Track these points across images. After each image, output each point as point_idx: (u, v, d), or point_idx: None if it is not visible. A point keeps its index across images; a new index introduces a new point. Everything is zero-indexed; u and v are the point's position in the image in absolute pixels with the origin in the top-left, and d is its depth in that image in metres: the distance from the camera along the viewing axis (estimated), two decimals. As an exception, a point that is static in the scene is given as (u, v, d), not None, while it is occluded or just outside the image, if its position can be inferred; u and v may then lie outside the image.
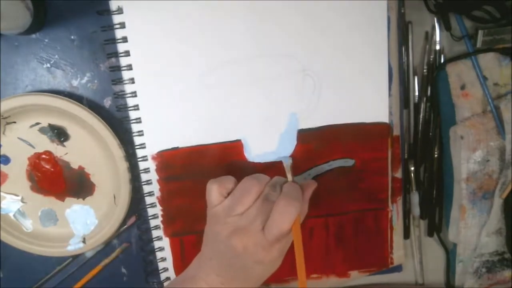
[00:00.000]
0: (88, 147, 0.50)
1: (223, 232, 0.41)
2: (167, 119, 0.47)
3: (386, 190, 0.51)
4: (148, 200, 0.50)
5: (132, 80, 0.46)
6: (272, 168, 0.49)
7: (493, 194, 0.50)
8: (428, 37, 0.50)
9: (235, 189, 0.43)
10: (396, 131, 0.50)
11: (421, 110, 0.52)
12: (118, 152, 0.48)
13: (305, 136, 0.49)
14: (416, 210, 0.54)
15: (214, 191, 0.43)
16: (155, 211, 0.50)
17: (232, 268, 0.42)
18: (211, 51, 0.46)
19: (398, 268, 0.56)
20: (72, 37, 0.48)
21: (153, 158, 0.48)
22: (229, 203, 0.42)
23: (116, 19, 0.45)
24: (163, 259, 0.52)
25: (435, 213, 0.55)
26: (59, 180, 0.51)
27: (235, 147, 0.48)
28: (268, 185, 0.43)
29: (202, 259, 0.44)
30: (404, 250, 0.55)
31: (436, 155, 0.53)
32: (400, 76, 0.49)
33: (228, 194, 0.43)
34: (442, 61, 0.50)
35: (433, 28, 0.50)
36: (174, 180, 0.49)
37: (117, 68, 0.46)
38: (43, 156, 0.50)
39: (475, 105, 0.49)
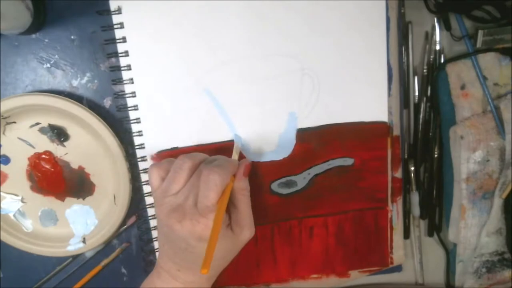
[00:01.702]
0: (88, 147, 0.50)
1: (162, 214, 0.42)
2: (166, 119, 0.47)
3: (385, 189, 0.51)
4: (148, 200, 0.50)
5: (131, 80, 0.46)
6: (273, 168, 0.49)
7: (493, 194, 0.50)
8: (428, 37, 0.50)
9: (170, 170, 0.42)
10: (396, 131, 0.50)
11: (421, 110, 0.52)
12: (118, 152, 0.48)
13: (304, 136, 0.49)
14: (416, 210, 0.54)
15: (154, 174, 0.43)
16: (155, 211, 0.50)
17: (181, 251, 0.42)
18: (210, 51, 0.46)
19: (398, 268, 0.56)
20: (72, 37, 0.48)
21: (153, 158, 0.48)
22: (165, 184, 0.42)
23: (116, 19, 0.45)
24: (163, 259, 0.52)
25: (435, 213, 0.55)
26: (59, 180, 0.51)
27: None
28: (204, 162, 0.43)
29: (160, 247, 0.45)
30: (404, 250, 0.55)
31: (436, 155, 0.53)
32: (400, 76, 0.49)
33: None
34: (442, 61, 0.50)
35: (433, 28, 0.49)
36: (173, 180, 0.49)
37: (117, 68, 0.46)
38: (43, 156, 0.50)
39: (475, 105, 0.49)
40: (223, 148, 0.48)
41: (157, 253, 0.52)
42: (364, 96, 0.48)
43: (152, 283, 0.46)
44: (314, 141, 0.49)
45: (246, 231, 0.44)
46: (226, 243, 0.44)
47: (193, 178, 0.41)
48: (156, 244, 0.51)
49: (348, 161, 0.50)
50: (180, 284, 0.44)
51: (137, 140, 0.48)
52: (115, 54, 0.46)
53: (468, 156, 0.49)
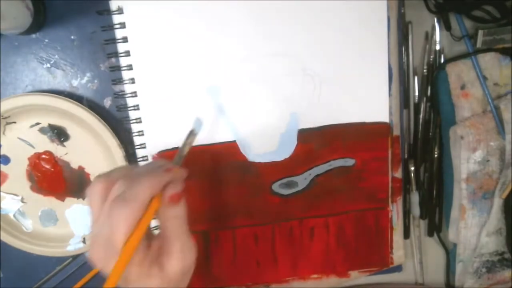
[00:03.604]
0: (88, 147, 0.50)
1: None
2: (168, 119, 0.47)
3: (386, 190, 0.51)
4: (148, 200, 0.50)
5: (132, 80, 0.46)
6: (274, 168, 0.49)
7: (493, 194, 0.50)
8: (428, 37, 0.50)
9: None
10: (396, 131, 0.50)
11: (421, 110, 0.52)
12: (118, 152, 0.48)
13: (306, 136, 0.49)
14: (416, 210, 0.54)
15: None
16: None
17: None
18: (211, 51, 0.46)
19: (398, 268, 0.56)
20: (72, 37, 0.48)
21: (154, 158, 0.48)
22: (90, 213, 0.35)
23: (116, 19, 0.45)
24: (163, 259, 0.52)
25: (435, 213, 0.55)
26: (59, 180, 0.51)
27: (235, 147, 0.48)
28: (119, 182, 0.34)
29: None
30: (404, 250, 0.55)
31: (436, 155, 0.53)
32: (400, 76, 0.49)
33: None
34: (442, 61, 0.50)
35: (433, 28, 0.50)
36: (174, 180, 0.49)
37: (117, 68, 0.46)
38: (43, 156, 0.50)
39: (475, 105, 0.49)
40: (224, 149, 0.48)
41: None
42: (365, 97, 0.48)
43: None
44: (315, 142, 0.49)
45: (174, 260, 0.35)
46: (152, 284, 0.34)
47: (105, 209, 0.34)
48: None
49: (349, 162, 0.50)
50: None
51: (137, 140, 0.48)
52: (115, 54, 0.46)
53: (468, 156, 0.49)
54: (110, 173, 0.36)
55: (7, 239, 0.52)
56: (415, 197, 0.54)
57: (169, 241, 0.35)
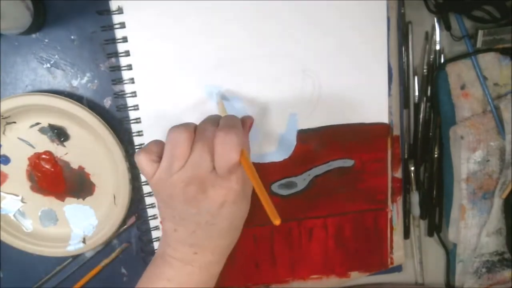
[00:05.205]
0: (88, 147, 0.50)
1: (175, 191, 0.39)
2: (167, 119, 0.47)
3: (385, 191, 0.51)
4: (148, 200, 0.50)
5: (132, 80, 0.46)
6: (273, 169, 0.49)
7: (493, 194, 0.50)
8: (428, 37, 0.50)
9: (165, 147, 0.40)
10: (396, 131, 0.50)
11: (421, 110, 0.52)
12: (118, 152, 0.48)
13: (305, 137, 0.49)
14: (416, 210, 0.54)
15: (143, 161, 0.40)
16: (155, 211, 0.50)
17: (201, 228, 0.40)
18: (211, 51, 0.46)
19: (398, 268, 0.56)
20: (72, 37, 0.48)
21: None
22: (166, 163, 0.39)
23: (116, 19, 0.45)
24: (163, 259, 0.52)
25: (435, 213, 0.55)
26: (59, 180, 0.51)
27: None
28: (201, 125, 0.41)
29: (167, 235, 0.42)
30: (404, 250, 0.55)
31: (436, 155, 0.53)
32: (400, 76, 0.49)
33: (160, 157, 0.40)
34: (442, 61, 0.50)
35: (433, 28, 0.50)
36: (174, 180, 0.49)
37: (117, 68, 0.46)
38: (43, 156, 0.50)
39: (475, 105, 0.49)
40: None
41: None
42: (365, 98, 0.48)
43: (162, 275, 0.43)
44: (314, 142, 0.49)
45: (250, 185, 0.42)
46: (243, 204, 0.42)
47: (199, 144, 0.39)
48: (156, 245, 0.51)
49: (348, 163, 0.50)
50: (196, 269, 0.42)
51: (137, 140, 0.48)
52: (115, 54, 0.46)
53: (468, 156, 0.49)
54: (184, 125, 0.40)
55: (7, 239, 0.52)
56: (415, 197, 0.54)
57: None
